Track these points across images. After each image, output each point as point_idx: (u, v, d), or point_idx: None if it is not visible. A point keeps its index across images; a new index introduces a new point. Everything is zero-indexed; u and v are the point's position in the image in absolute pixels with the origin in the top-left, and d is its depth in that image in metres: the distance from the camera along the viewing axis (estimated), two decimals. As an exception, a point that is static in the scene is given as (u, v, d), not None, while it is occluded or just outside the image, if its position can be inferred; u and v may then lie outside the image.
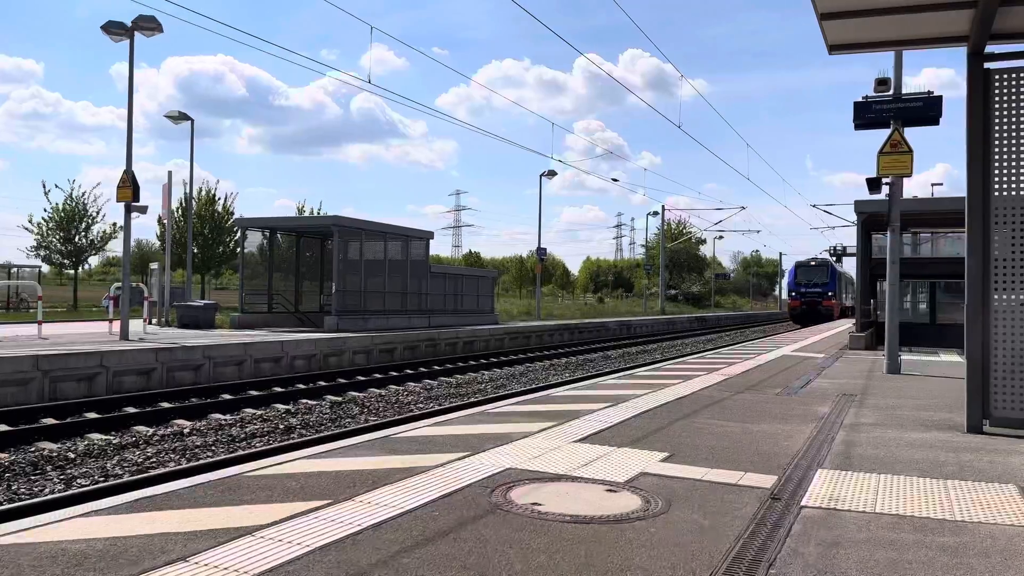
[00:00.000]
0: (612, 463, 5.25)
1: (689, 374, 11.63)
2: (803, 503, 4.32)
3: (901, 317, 15.22)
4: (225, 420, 10.96)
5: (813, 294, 49.94)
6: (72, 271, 42.74)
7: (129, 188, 15.99)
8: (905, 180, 13.19)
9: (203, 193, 41.97)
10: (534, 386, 15.36)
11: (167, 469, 7.87)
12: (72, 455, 8.57)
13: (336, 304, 20.86)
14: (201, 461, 8.27)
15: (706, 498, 4.40)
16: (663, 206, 57.63)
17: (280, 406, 12.25)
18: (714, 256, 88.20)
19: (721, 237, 71.29)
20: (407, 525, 3.78)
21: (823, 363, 13.90)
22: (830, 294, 50.06)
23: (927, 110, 11.79)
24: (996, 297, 6.61)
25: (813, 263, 51.41)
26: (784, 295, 56.66)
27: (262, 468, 4.97)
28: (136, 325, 18.68)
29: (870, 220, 18.96)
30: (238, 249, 28.36)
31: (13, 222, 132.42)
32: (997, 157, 6.59)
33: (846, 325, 32.08)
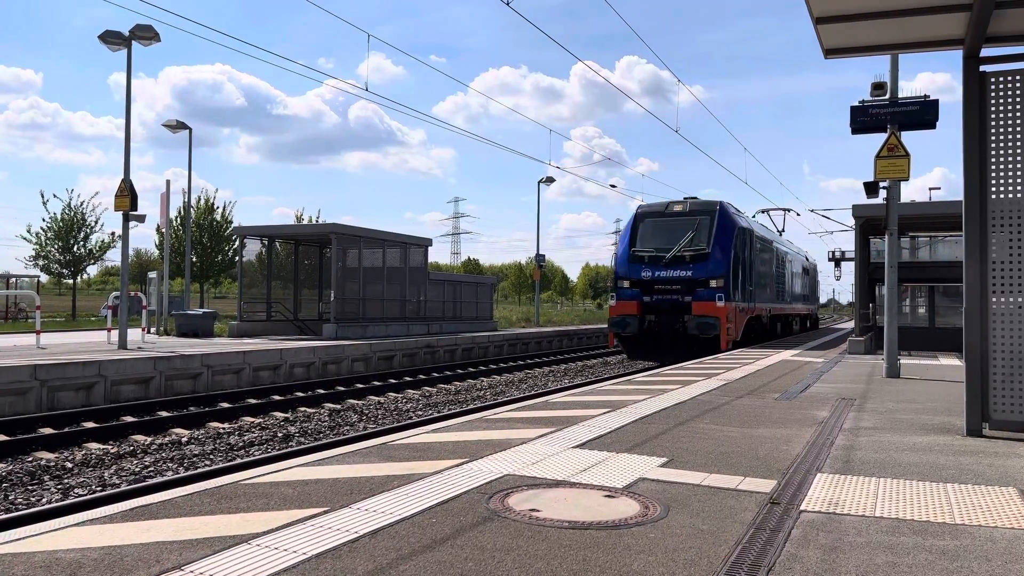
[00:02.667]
0: (611, 469, 5.23)
1: (688, 379, 11.60)
2: (803, 507, 4.30)
3: (900, 321, 15.22)
4: (223, 429, 10.93)
5: (670, 285, 20.91)
6: (71, 281, 42.75)
7: (127, 197, 15.99)
8: (903, 184, 13.21)
9: (201, 202, 42.09)
10: (533, 392, 15.33)
11: (164, 478, 7.84)
12: (70, 464, 8.55)
13: (335, 312, 20.84)
14: (199, 470, 8.25)
15: (705, 503, 4.38)
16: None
17: (279, 414, 12.22)
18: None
19: (719, 242, 70.93)
20: (405, 532, 3.76)
21: (822, 367, 13.88)
22: (713, 284, 20.39)
23: (924, 114, 11.80)
24: (994, 300, 6.59)
25: (678, 207, 21.80)
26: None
27: (259, 476, 4.94)
28: (134, 334, 18.65)
29: (868, 224, 18.99)
30: (236, 257, 28.38)
31: (11, 232, 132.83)
32: (994, 160, 6.57)
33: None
